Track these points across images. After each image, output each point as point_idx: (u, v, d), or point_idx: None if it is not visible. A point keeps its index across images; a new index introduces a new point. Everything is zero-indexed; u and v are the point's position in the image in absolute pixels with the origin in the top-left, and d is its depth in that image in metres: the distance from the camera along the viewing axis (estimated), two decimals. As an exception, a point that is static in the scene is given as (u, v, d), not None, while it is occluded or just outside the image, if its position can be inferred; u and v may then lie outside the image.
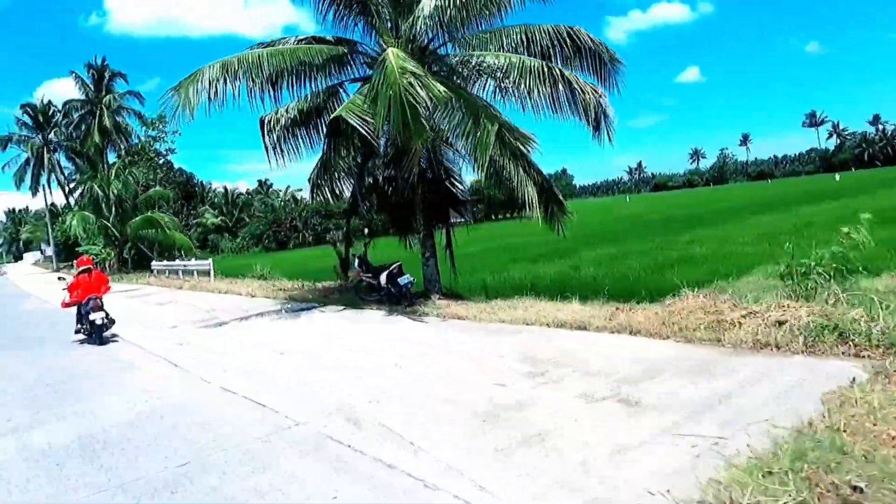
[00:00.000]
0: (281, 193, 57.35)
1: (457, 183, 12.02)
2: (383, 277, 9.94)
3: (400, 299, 9.82)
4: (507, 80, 9.59)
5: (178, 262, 23.06)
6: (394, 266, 9.91)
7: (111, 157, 38.16)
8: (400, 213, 11.97)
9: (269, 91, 10.37)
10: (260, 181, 64.75)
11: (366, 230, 11.91)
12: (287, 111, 10.75)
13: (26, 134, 42.82)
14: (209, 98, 9.46)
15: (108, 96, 38.13)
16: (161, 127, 40.14)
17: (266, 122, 10.60)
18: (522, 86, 9.41)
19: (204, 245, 43.10)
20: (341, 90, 11.26)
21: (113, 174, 30.42)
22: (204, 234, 46.48)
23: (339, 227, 51.16)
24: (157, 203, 32.93)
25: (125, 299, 17.20)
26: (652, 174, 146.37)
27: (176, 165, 47.52)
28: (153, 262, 25.34)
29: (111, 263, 30.26)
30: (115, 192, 28.80)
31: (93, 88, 38.25)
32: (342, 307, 10.68)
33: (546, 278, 12.52)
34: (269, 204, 53.16)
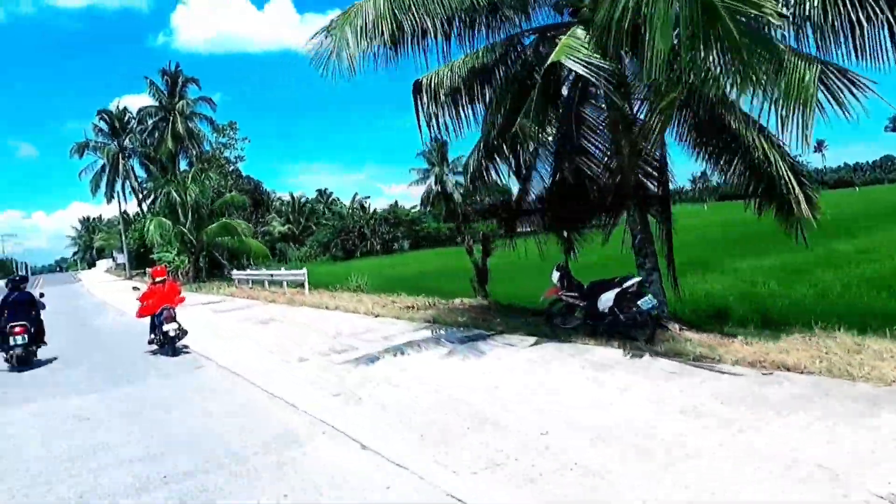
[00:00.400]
0: (347, 203, 55.64)
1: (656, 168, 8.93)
2: (606, 298, 6.82)
3: (631, 330, 6.72)
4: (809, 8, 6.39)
5: (264, 271, 20.85)
6: (630, 283, 6.77)
7: (182, 164, 37.49)
8: (571, 207, 8.99)
9: (436, 40, 7.62)
10: (319, 191, 63.55)
11: (564, 234, 8.85)
12: (451, 70, 7.96)
13: (102, 140, 42.82)
14: (369, 44, 6.79)
15: (181, 102, 37.68)
16: (231, 134, 39.40)
17: (424, 85, 7.83)
18: (830, 16, 6.22)
19: (272, 253, 41.60)
20: (518, 44, 8.40)
21: (190, 178, 29.02)
22: (271, 242, 45.12)
23: (407, 235, 48.72)
24: (229, 210, 31.55)
25: (212, 314, 14.93)
26: (717, 183, 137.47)
27: (244, 174, 46.72)
28: (234, 271, 23.30)
29: (185, 271, 28.73)
30: (193, 196, 27.25)
31: (166, 94, 37.91)
32: (532, 338, 7.61)
33: (719, 296, 9.62)
34: (335, 212, 51.45)
